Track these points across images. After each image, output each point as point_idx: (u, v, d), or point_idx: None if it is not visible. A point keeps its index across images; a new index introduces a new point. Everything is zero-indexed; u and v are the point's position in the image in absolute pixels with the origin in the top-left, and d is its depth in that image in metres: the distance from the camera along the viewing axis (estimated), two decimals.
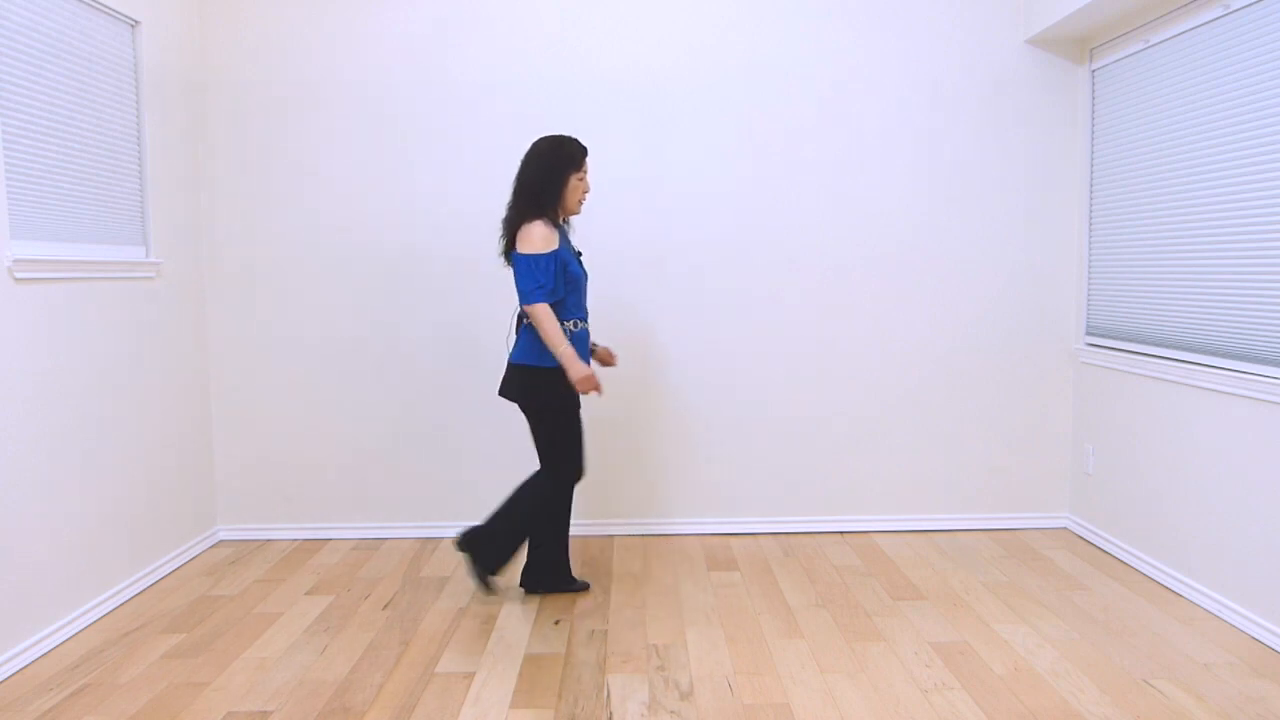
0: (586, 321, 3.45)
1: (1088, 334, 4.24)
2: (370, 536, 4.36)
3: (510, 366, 3.40)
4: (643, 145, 4.25)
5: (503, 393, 3.42)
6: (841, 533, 4.37)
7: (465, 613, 3.42)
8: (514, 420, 4.34)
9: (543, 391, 3.35)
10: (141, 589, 3.68)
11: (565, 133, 4.20)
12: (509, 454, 4.34)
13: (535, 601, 3.51)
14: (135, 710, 2.68)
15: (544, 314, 3.25)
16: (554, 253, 3.28)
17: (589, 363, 3.45)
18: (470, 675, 2.89)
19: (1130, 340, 3.89)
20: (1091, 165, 4.19)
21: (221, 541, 4.34)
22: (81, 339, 3.35)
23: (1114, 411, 3.98)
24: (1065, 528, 4.38)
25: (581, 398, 3.58)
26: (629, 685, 2.81)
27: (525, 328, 3.39)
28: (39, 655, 3.07)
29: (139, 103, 3.79)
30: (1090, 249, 4.21)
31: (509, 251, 3.36)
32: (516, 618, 3.36)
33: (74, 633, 3.25)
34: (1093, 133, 4.17)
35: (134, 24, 3.75)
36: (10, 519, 2.98)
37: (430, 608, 3.47)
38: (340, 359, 4.32)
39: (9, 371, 2.98)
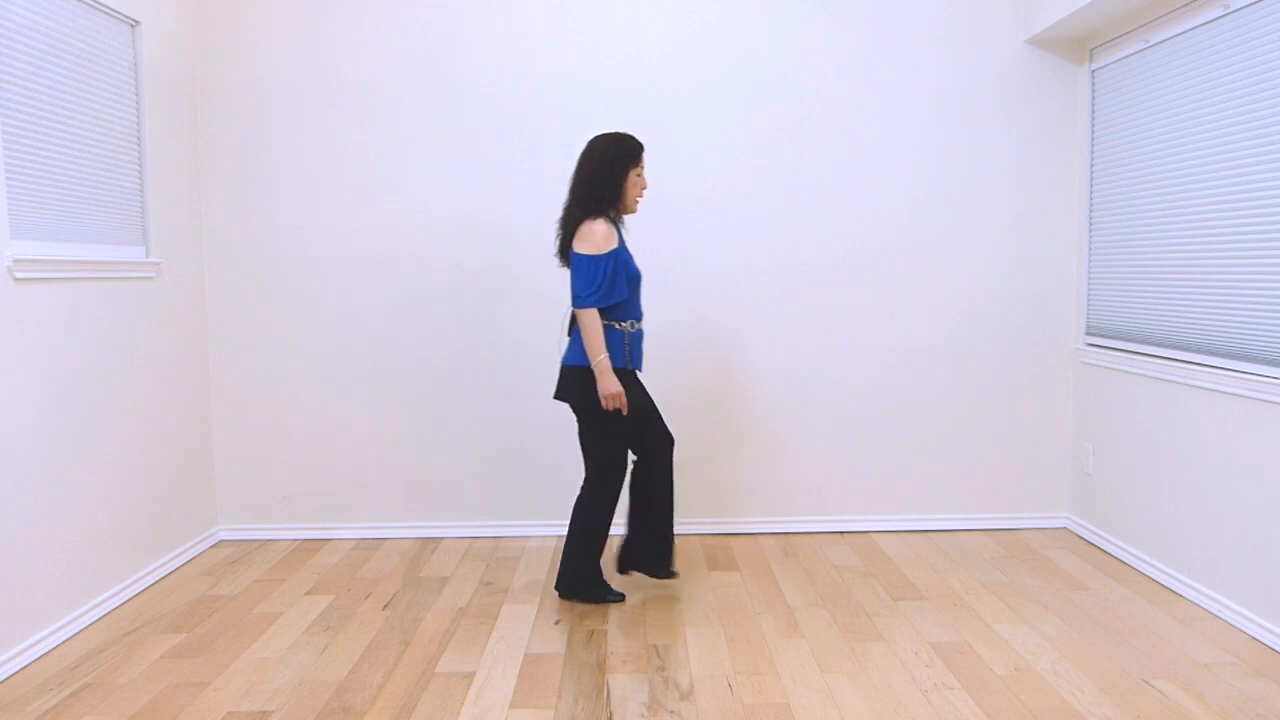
0: (642, 321, 3.42)
1: (1088, 334, 4.24)
2: (370, 536, 4.36)
3: (563, 369, 3.36)
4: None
5: (558, 395, 3.38)
6: (841, 533, 4.37)
7: (465, 613, 3.42)
8: (514, 420, 4.34)
9: (594, 392, 3.29)
10: (141, 589, 3.68)
11: (572, 132, 4.21)
12: (509, 454, 4.35)
13: (535, 601, 3.51)
14: (135, 710, 2.68)
15: (592, 320, 3.22)
16: (613, 252, 3.24)
17: (641, 365, 3.41)
18: (470, 675, 2.89)
19: (1130, 340, 3.89)
20: (1091, 165, 4.19)
21: (221, 541, 4.34)
22: (81, 339, 3.35)
23: (1114, 411, 3.98)
24: (1065, 528, 4.38)
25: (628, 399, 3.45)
26: (629, 685, 2.81)
27: (578, 330, 3.33)
28: (39, 655, 3.07)
29: (139, 103, 3.79)
30: (1090, 249, 4.21)
31: (565, 249, 3.31)
32: (516, 618, 3.36)
33: (74, 633, 3.25)
34: (1093, 133, 4.17)
35: (134, 24, 3.75)
36: (10, 519, 2.98)
37: (430, 608, 3.47)
38: (340, 359, 4.32)
39: (9, 371, 2.98)
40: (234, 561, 4.04)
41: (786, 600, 3.50)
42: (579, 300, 3.23)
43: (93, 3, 3.47)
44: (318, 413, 4.33)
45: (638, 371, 3.43)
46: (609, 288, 3.24)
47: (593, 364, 3.24)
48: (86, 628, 3.31)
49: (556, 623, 3.31)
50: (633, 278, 3.33)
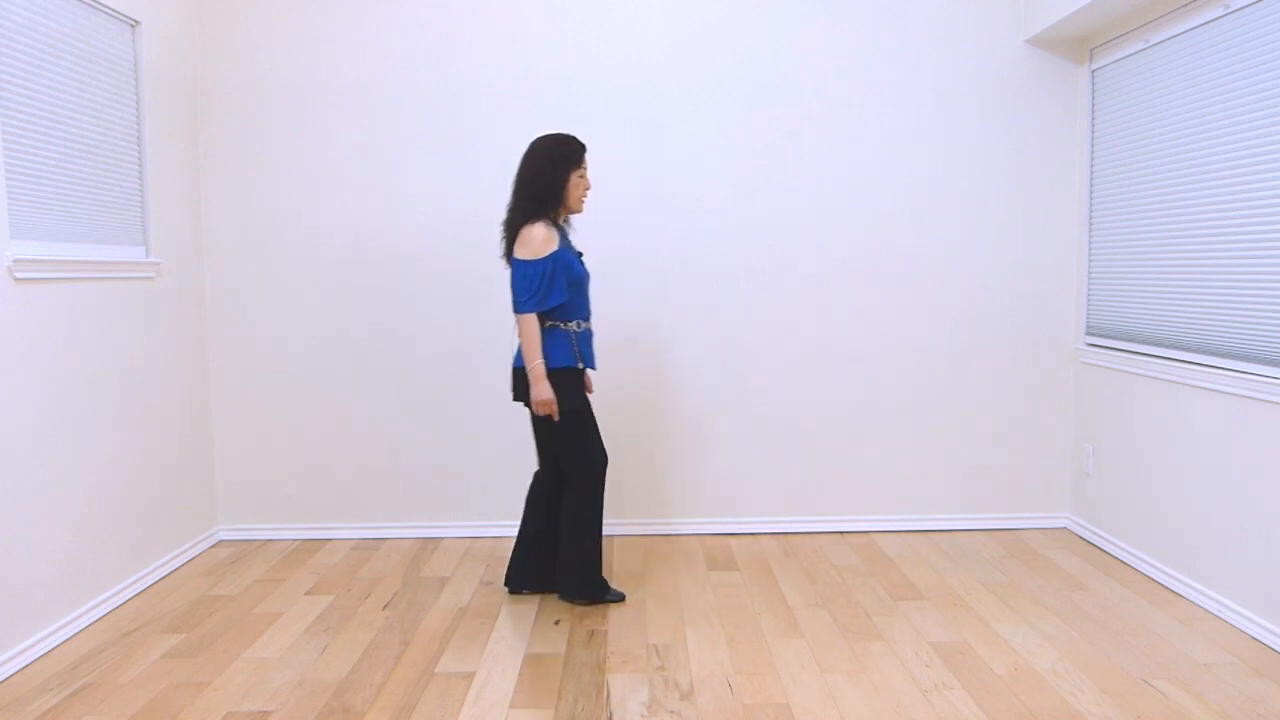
0: (589, 321, 3.44)
1: (1088, 334, 4.24)
2: (370, 536, 4.36)
3: (515, 371, 3.38)
4: (642, 145, 4.25)
5: (517, 398, 3.41)
6: (841, 533, 4.37)
7: (465, 613, 3.42)
8: (513, 420, 4.34)
9: (555, 394, 3.32)
10: (141, 589, 3.68)
11: (564, 131, 4.21)
12: (508, 454, 4.35)
13: (535, 601, 3.51)
14: (135, 710, 2.68)
15: (530, 325, 3.26)
16: (553, 255, 3.27)
17: (593, 363, 3.45)
18: (470, 675, 2.89)
19: (1130, 340, 3.89)
20: (1091, 165, 4.19)
21: (221, 541, 4.34)
22: (81, 339, 3.35)
23: (1114, 411, 3.98)
24: (1065, 528, 4.38)
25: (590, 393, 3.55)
26: (629, 685, 2.81)
27: None
28: (39, 655, 3.07)
29: (139, 103, 3.79)
30: (1090, 249, 4.21)
31: (509, 253, 3.35)
32: (516, 618, 3.36)
33: (74, 633, 3.25)
34: (1093, 133, 4.17)
35: (134, 24, 3.75)
36: (10, 519, 2.98)
37: (430, 608, 3.47)
38: (340, 359, 4.32)
39: (9, 371, 2.98)
40: (234, 561, 4.04)
41: (786, 600, 3.50)
42: (517, 306, 3.27)
43: (93, 3, 3.47)
44: (318, 413, 4.33)
45: (590, 371, 3.42)
46: (546, 291, 3.26)
47: (528, 368, 3.28)
48: (86, 628, 3.31)
49: (556, 623, 3.31)
50: (575, 279, 3.34)
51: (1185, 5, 3.45)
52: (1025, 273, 4.32)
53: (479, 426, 4.33)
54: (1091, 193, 4.19)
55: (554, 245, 3.27)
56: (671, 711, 2.64)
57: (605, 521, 4.37)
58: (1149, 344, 3.75)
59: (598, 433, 3.46)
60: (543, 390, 3.26)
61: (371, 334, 4.30)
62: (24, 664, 3.00)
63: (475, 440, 4.33)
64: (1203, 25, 3.38)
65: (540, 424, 3.42)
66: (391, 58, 4.22)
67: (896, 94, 4.25)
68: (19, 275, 3.00)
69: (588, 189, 3.42)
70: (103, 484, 3.47)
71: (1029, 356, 4.35)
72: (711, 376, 4.33)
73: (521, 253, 3.26)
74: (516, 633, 3.22)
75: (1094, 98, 4.16)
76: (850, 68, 4.24)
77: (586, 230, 4.26)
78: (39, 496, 3.11)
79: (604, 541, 4.26)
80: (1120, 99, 3.94)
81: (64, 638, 3.20)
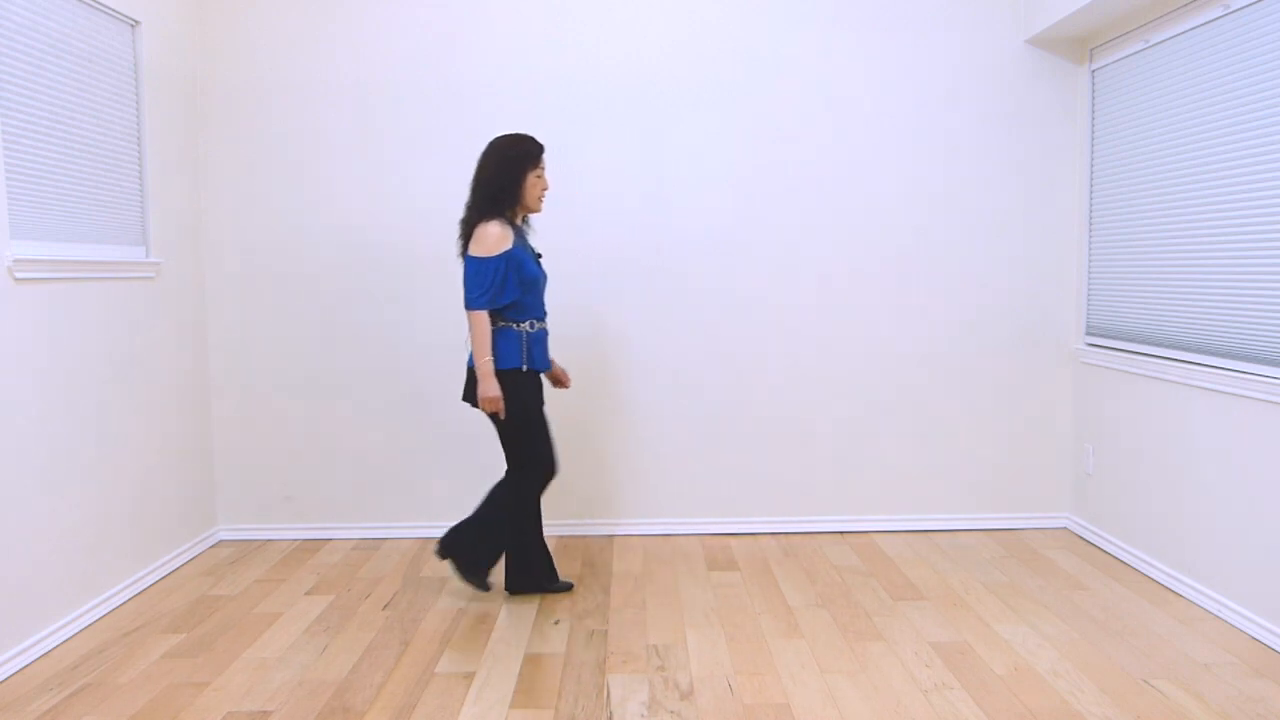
0: (544, 321, 3.44)
1: (1087, 334, 4.24)
2: (370, 536, 4.36)
3: (469, 371, 3.39)
4: (642, 145, 4.25)
5: (465, 397, 3.42)
6: (841, 533, 4.37)
7: (465, 613, 3.42)
8: None
9: (502, 393, 3.33)
10: (141, 589, 3.68)
11: (573, 132, 4.21)
12: None
13: (535, 601, 3.51)
14: (135, 710, 2.68)
15: (480, 322, 3.27)
16: (505, 254, 3.27)
17: (549, 363, 3.46)
18: (470, 675, 2.89)
19: (1130, 340, 3.89)
20: (1091, 165, 4.19)
21: (221, 541, 4.34)
22: (81, 339, 3.35)
23: (1114, 411, 3.98)
24: (1065, 528, 4.38)
25: (545, 394, 3.60)
26: (629, 685, 2.81)
27: None
28: (39, 655, 3.07)
29: (139, 103, 3.79)
30: (1090, 249, 4.21)
31: (465, 251, 3.35)
32: (516, 618, 3.36)
33: (74, 633, 3.25)
34: (1093, 133, 4.17)
35: (134, 24, 3.75)
36: (10, 519, 2.98)
37: (430, 608, 3.47)
38: (340, 359, 4.32)
39: (9, 371, 2.98)
40: (234, 561, 4.04)
41: (786, 600, 3.50)
42: (468, 302, 3.28)
43: (93, 3, 3.47)
44: (318, 413, 4.33)
45: (543, 373, 3.44)
46: (499, 290, 3.27)
47: (476, 365, 3.29)
48: (86, 628, 3.31)
49: (556, 623, 3.31)
50: (527, 279, 3.34)
51: (1185, 5, 3.45)
52: (1025, 273, 4.32)
53: (479, 427, 4.33)
54: (1091, 193, 4.19)
55: (508, 244, 3.28)
56: (671, 711, 2.64)
57: (603, 521, 4.37)
58: (1149, 344, 3.75)
59: (548, 440, 3.46)
60: (489, 388, 3.28)
61: (372, 334, 4.30)
62: (24, 664, 3.00)
63: (475, 440, 4.33)
64: (1203, 25, 3.38)
65: (496, 420, 3.40)
66: (391, 58, 4.22)
67: (896, 94, 4.25)
68: (19, 275, 3.00)
69: (545, 188, 3.43)
70: (102, 484, 3.47)
71: (1029, 356, 4.35)
72: (712, 376, 4.33)
73: (475, 250, 3.28)
74: (516, 633, 3.22)
75: (1094, 98, 4.16)
76: (850, 68, 4.24)
77: (587, 229, 4.26)
78: (39, 496, 3.11)
79: (605, 541, 4.26)
80: (1120, 99, 3.94)
81: (64, 638, 3.20)
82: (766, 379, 4.34)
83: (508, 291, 3.29)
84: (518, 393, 3.35)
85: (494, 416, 3.36)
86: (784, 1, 4.22)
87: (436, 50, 4.22)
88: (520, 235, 3.40)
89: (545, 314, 3.45)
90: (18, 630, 3.00)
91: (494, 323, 3.32)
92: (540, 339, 3.42)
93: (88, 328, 3.39)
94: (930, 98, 4.25)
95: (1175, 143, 3.56)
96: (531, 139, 3.40)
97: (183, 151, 4.11)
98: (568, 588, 3.60)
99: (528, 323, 3.37)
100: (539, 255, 3.50)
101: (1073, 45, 4.22)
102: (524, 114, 4.23)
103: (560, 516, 4.37)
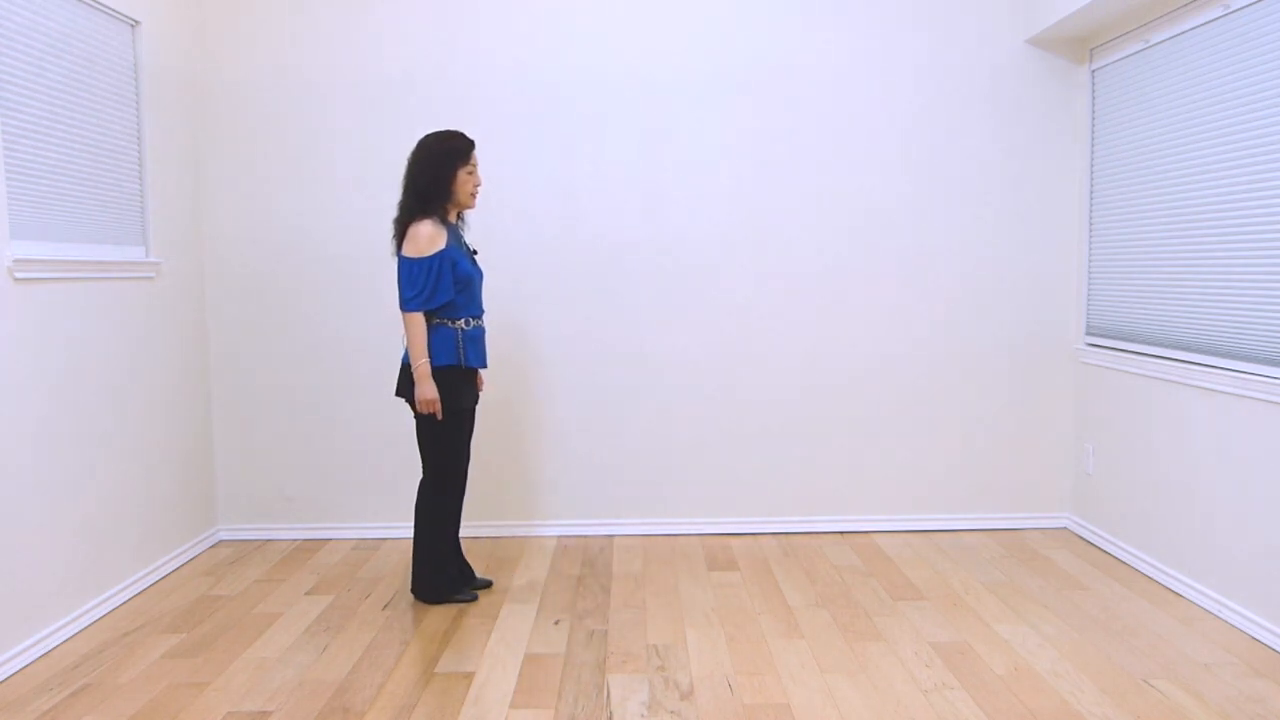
0: (480, 319, 3.43)
1: (1088, 334, 4.24)
2: (370, 536, 4.36)
3: (403, 367, 3.38)
4: (642, 145, 4.25)
5: (398, 392, 3.41)
6: (841, 533, 4.37)
7: (465, 613, 3.42)
8: (513, 420, 4.34)
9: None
10: (141, 589, 3.68)
11: (574, 132, 4.21)
12: (507, 454, 4.35)
13: (535, 601, 3.51)
14: (135, 710, 2.68)
15: (415, 323, 3.26)
16: (439, 254, 3.26)
17: (483, 362, 3.43)
18: (470, 675, 2.89)
19: (1130, 340, 3.89)
20: (1091, 165, 4.19)
21: (221, 541, 4.34)
22: (81, 339, 3.35)
23: (1114, 411, 3.98)
24: (1065, 528, 4.38)
25: (479, 404, 3.61)
26: (629, 685, 2.81)
27: None
28: (39, 655, 3.07)
29: (139, 103, 3.79)
30: (1090, 249, 4.21)
31: (399, 250, 3.33)
32: (516, 618, 3.36)
33: (74, 633, 3.25)
34: (1093, 133, 4.17)
35: (134, 24, 3.75)
36: (10, 519, 2.98)
37: (430, 608, 3.47)
38: (340, 359, 4.32)
39: (8, 371, 2.98)
40: (234, 561, 4.04)
41: (786, 600, 3.50)
42: (402, 304, 3.27)
43: (93, 3, 3.47)
44: (318, 413, 4.33)
45: (480, 371, 3.44)
46: (433, 290, 3.26)
47: (413, 367, 3.28)
48: (86, 628, 3.31)
49: (556, 623, 3.31)
50: (462, 278, 3.32)
51: (1185, 5, 3.45)
52: (1025, 272, 4.32)
53: (478, 426, 4.33)
54: (1091, 193, 4.19)
55: (441, 243, 3.27)
56: (671, 711, 2.64)
57: (603, 521, 4.37)
58: (1149, 344, 3.75)
59: (467, 441, 3.46)
60: (427, 390, 3.27)
61: (372, 333, 4.30)
62: (24, 664, 3.00)
63: (475, 440, 4.33)
64: (1202, 25, 3.38)
65: (421, 419, 3.39)
66: (392, 58, 4.22)
67: (896, 94, 4.25)
68: (19, 275, 3.00)
69: (478, 184, 3.40)
70: (102, 484, 3.47)
71: (1029, 356, 4.35)
72: (712, 375, 4.33)
73: (408, 250, 3.27)
74: (516, 633, 3.22)
75: (1094, 98, 4.16)
76: (850, 68, 4.24)
77: (587, 229, 4.26)
78: (39, 496, 3.11)
79: (605, 541, 4.26)
80: (1120, 99, 3.94)
81: (64, 638, 3.20)
82: (767, 378, 4.34)
83: (441, 291, 3.27)
84: (451, 391, 3.34)
85: (426, 417, 3.35)
86: (784, 1, 4.22)
87: (436, 50, 4.22)
88: (455, 233, 3.38)
89: (482, 311, 3.44)
90: (18, 630, 3.00)
91: (429, 320, 3.30)
92: (476, 337, 3.40)
93: (88, 328, 3.39)
94: (931, 97, 4.25)
95: (1175, 143, 3.56)
96: (461, 135, 3.36)
97: (183, 151, 4.11)
98: (487, 583, 3.61)
99: (463, 320, 3.36)
100: (474, 252, 3.48)
101: (1073, 45, 4.22)
102: (524, 114, 4.23)
103: (559, 517, 4.37)
